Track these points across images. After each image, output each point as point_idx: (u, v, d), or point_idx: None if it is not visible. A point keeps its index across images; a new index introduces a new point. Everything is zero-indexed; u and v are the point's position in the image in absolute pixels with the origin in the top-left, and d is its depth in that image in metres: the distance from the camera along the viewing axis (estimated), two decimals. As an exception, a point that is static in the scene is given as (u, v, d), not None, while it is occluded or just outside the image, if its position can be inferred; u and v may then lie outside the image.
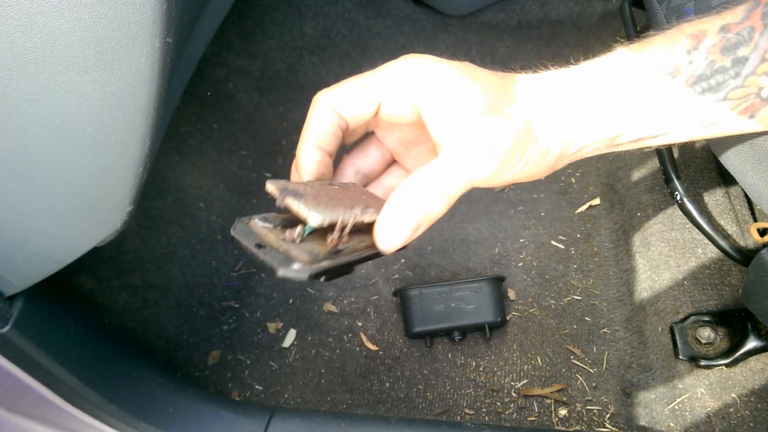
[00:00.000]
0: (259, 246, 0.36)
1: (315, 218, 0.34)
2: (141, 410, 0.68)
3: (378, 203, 0.40)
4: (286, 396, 1.01)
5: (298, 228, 0.36)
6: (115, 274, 1.03)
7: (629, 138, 0.39)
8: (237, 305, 1.14)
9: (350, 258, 0.37)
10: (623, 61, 0.38)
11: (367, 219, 0.37)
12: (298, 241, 0.36)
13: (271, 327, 1.11)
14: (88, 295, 0.95)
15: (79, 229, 0.46)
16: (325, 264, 0.35)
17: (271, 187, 0.37)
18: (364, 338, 1.07)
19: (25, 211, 0.43)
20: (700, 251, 0.91)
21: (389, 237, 0.37)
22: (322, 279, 0.35)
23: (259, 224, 0.37)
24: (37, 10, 0.34)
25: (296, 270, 0.34)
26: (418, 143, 0.45)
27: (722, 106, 0.37)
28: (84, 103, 0.38)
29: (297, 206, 0.35)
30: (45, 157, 0.40)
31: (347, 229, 0.36)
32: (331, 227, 0.36)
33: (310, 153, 0.40)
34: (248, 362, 1.06)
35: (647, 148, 0.41)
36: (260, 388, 1.03)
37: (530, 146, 0.38)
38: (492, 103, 0.37)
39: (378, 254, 0.38)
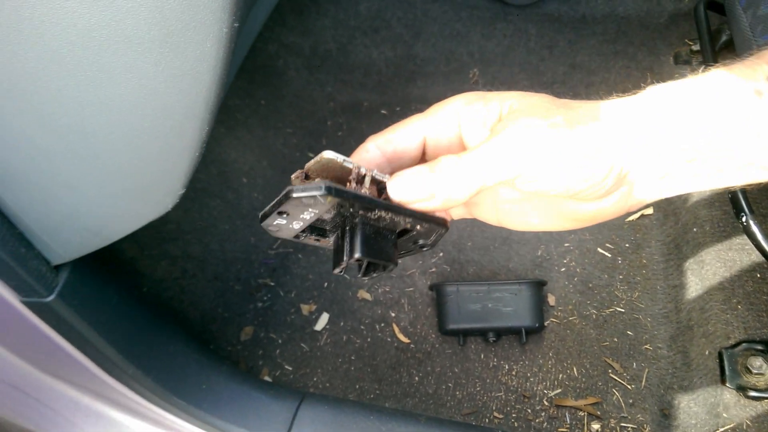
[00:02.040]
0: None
1: (328, 153, 0.37)
2: (175, 384, 0.68)
3: None
4: (314, 379, 1.01)
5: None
6: (157, 242, 1.03)
7: (705, 166, 0.37)
8: (272, 284, 1.14)
9: (372, 198, 0.37)
10: (697, 84, 0.36)
11: (379, 178, 0.39)
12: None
13: (305, 309, 1.10)
14: (130, 263, 0.96)
15: (130, 208, 0.45)
16: (342, 189, 0.36)
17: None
18: (397, 329, 1.06)
19: (78, 186, 0.43)
20: (758, 275, 0.86)
21: (399, 183, 0.37)
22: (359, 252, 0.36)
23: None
24: (105, -13, 0.32)
25: (310, 185, 0.34)
26: None
27: None
28: (145, 84, 0.37)
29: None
30: (101, 135, 0.39)
31: (366, 181, 0.38)
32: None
33: None
34: (280, 341, 1.06)
35: (730, 187, 0.38)
36: (290, 368, 1.03)
37: (582, 152, 0.37)
38: (541, 112, 0.37)
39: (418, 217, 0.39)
